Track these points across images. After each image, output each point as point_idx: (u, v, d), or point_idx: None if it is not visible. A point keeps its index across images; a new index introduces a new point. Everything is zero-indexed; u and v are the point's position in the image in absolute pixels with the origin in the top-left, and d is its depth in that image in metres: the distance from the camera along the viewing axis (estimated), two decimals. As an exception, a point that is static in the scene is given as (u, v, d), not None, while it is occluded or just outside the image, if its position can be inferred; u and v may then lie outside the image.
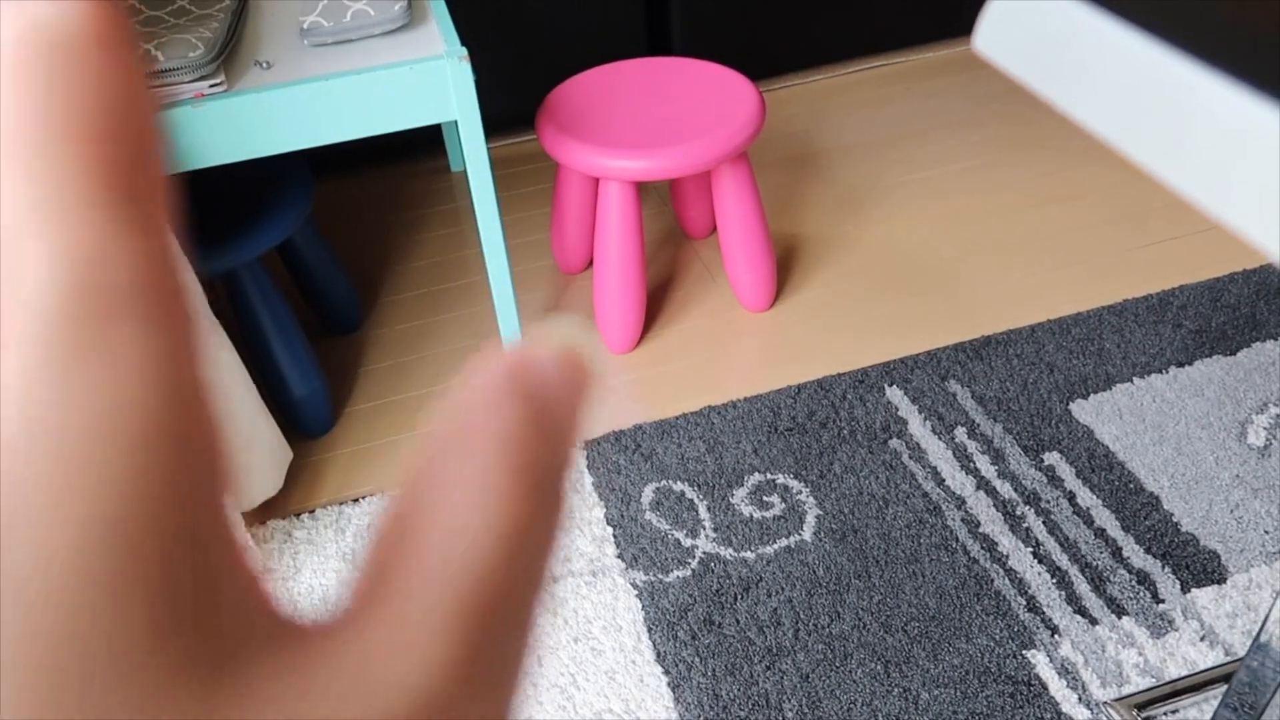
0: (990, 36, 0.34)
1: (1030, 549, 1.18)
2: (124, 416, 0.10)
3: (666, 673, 1.08)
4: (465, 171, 1.65)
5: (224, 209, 1.29)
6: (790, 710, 1.04)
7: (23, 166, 0.11)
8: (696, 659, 1.09)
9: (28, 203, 0.11)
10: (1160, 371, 1.40)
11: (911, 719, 1.03)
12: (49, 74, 0.11)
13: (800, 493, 1.27)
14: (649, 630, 1.12)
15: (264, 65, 1.13)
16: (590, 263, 1.64)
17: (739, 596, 1.15)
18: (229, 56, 1.14)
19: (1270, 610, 0.80)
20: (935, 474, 1.28)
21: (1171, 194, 1.71)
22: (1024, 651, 1.08)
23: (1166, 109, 0.27)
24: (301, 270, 1.47)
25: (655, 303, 1.59)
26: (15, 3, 0.11)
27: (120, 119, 0.11)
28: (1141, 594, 1.13)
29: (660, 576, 1.18)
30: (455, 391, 0.14)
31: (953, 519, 1.22)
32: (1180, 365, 1.40)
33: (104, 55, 0.12)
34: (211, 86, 1.07)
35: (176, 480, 0.11)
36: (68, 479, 0.10)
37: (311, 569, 1.22)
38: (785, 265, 1.65)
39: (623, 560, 1.20)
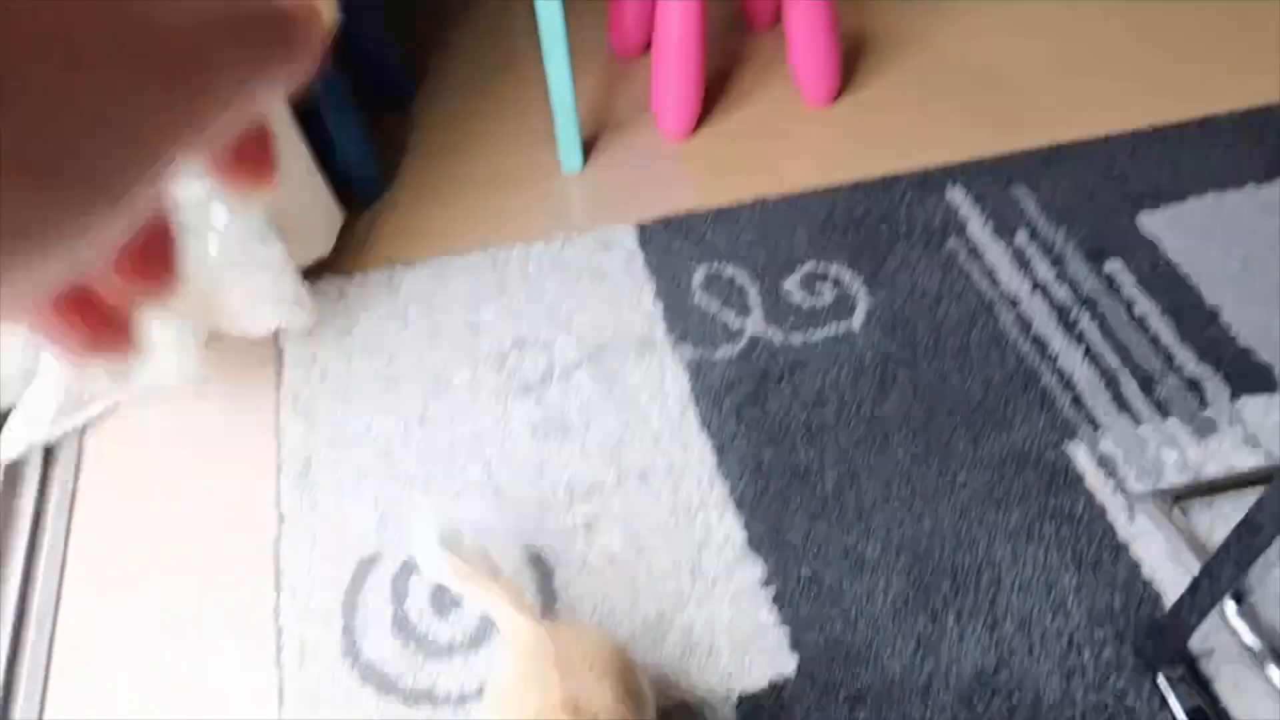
0: None
1: (1082, 349, 1.17)
2: None
3: (712, 437, 1.10)
4: (524, -64, 1.55)
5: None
6: (830, 480, 1.06)
7: None
8: (740, 428, 1.11)
9: None
10: (1237, 187, 1.34)
11: (947, 496, 1.05)
12: None
13: (852, 284, 1.25)
14: (695, 401, 1.14)
15: None
16: (648, 45, 1.57)
17: (784, 377, 1.16)
18: None
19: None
20: (991, 275, 1.26)
21: (1275, 7, 1.60)
22: (1064, 443, 1.09)
23: None
24: (351, 39, 1.42)
25: (714, 92, 1.54)
26: None
27: None
28: (1189, 398, 1.12)
29: (708, 353, 1.19)
30: None
31: (1005, 318, 1.21)
32: (1259, 183, 1.35)
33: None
34: None
35: None
36: None
37: (364, 328, 1.24)
38: (850, 62, 1.57)
39: (671, 335, 1.20)
